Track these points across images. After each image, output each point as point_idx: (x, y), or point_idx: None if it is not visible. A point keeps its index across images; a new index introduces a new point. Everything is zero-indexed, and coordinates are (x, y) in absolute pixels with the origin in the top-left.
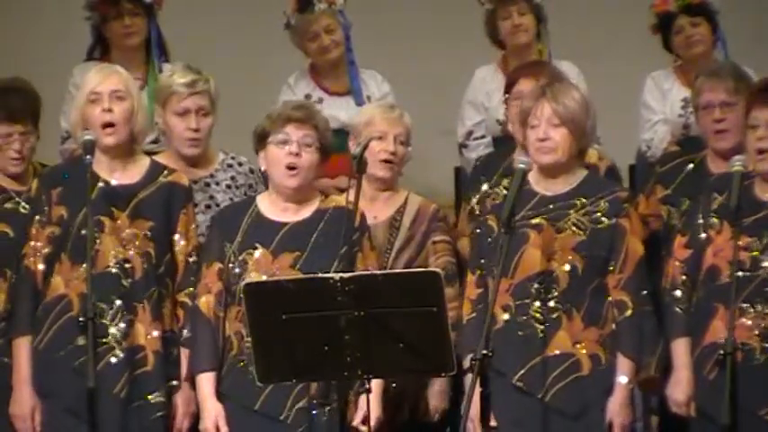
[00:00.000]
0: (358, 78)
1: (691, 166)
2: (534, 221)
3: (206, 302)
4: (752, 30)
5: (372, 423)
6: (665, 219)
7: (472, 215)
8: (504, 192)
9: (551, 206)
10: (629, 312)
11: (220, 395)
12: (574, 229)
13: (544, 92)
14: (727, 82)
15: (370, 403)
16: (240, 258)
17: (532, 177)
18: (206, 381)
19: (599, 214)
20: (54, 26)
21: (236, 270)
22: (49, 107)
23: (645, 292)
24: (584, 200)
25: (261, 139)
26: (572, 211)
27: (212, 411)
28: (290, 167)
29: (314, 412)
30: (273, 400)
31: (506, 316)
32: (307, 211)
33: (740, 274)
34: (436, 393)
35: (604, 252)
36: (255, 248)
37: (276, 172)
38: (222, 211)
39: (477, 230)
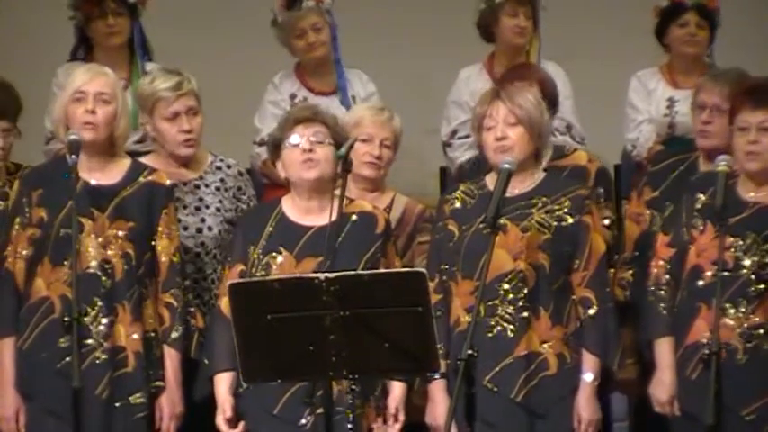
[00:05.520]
0: (344, 77)
1: (682, 168)
2: (498, 222)
3: (227, 303)
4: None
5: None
6: (647, 222)
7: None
8: (462, 196)
9: (513, 206)
10: (593, 310)
11: (240, 396)
12: (539, 227)
13: (498, 94)
14: (723, 87)
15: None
16: (264, 262)
17: (490, 180)
18: (223, 380)
19: (562, 212)
20: (37, 28)
21: (259, 274)
22: (32, 108)
23: (608, 289)
24: (544, 198)
25: (275, 148)
26: (534, 210)
27: (223, 406)
28: (306, 161)
29: (337, 417)
30: (293, 405)
31: (469, 317)
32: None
33: (724, 273)
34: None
35: (569, 248)
36: (279, 252)
37: (293, 170)
38: (246, 213)
39: (437, 236)
